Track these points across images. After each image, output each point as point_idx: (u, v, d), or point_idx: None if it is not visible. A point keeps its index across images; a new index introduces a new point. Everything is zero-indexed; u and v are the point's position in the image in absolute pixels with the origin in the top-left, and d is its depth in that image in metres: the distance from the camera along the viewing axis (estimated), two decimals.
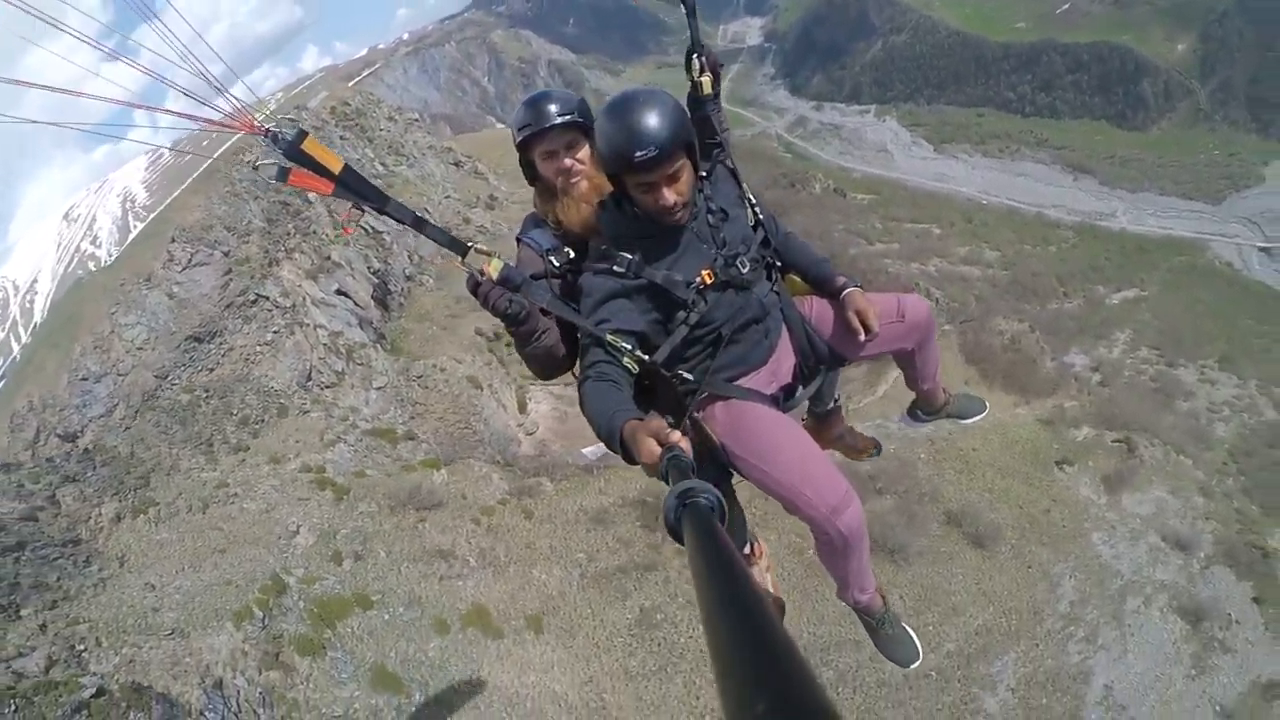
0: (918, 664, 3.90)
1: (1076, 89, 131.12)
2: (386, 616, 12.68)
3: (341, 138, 30.61)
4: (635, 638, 14.11)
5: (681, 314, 3.04)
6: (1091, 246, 69.44)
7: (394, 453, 18.41)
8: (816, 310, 3.56)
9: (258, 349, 19.89)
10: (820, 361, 3.53)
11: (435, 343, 26.80)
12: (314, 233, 25.11)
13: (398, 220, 2.97)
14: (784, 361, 3.43)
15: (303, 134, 2.76)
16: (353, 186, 2.85)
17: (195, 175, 27.95)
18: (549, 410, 26.66)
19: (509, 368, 27.43)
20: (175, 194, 26.56)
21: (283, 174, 2.76)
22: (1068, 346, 51.57)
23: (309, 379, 20.00)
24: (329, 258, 24.67)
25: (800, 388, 3.48)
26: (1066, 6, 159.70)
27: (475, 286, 3.02)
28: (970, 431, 20.95)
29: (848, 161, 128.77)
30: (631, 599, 14.78)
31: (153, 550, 12.41)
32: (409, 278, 28.57)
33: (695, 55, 3.48)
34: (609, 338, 2.92)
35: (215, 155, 26.38)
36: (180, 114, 2.85)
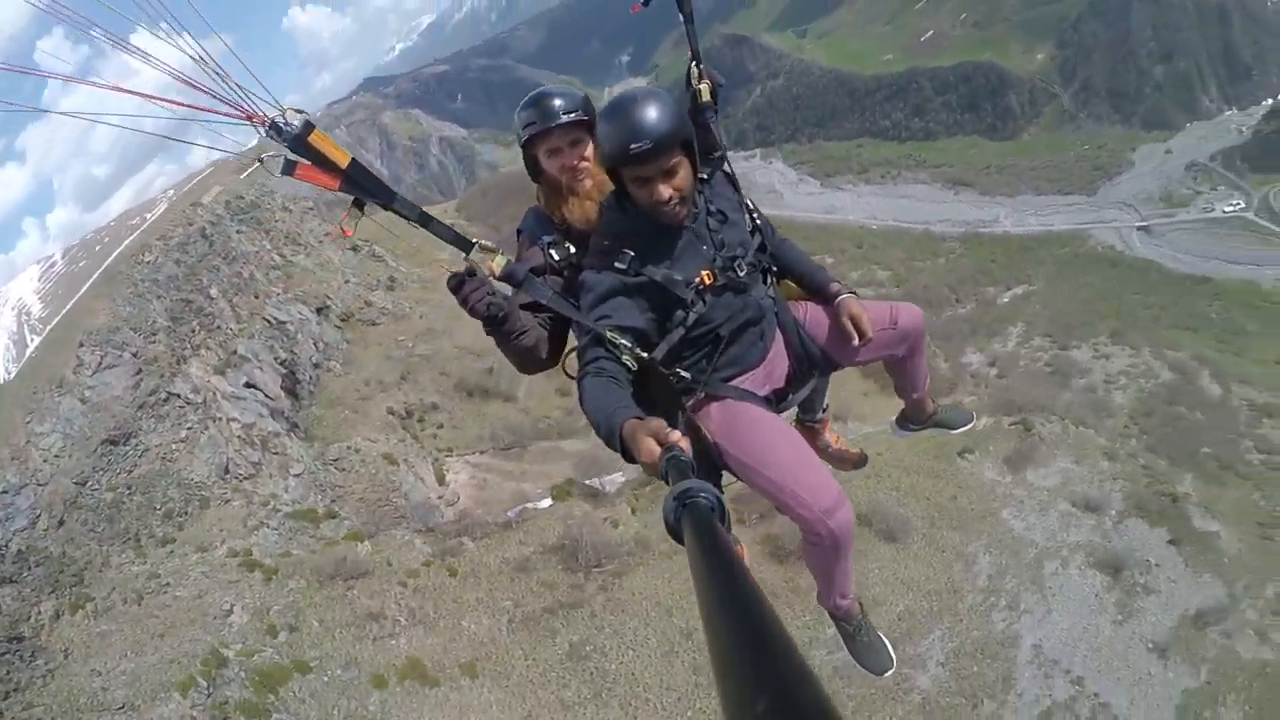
0: (891, 671, 3.99)
1: (947, 109, 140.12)
2: (326, 678, 13.63)
3: (238, 231, 31.31)
4: (568, 670, 15.29)
5: (680, 313, 3.16)
6: (978, 253, 74.09)
7: (317, 532, 19.30)
8: (811, 315, 3.70)
9: (174, 446, 20.31)
10: (813, 365, 3.66)
11: (349, 426, 27.52)
12: (218, 328, 25.72)
13: (403, 217, 3.06)
14: (778, 364, 3.54)
15: (309, 125, 2.82)
16: (360, 182, 2.94)
17: (94, 279, 28.31)
18: (468, 479, 27.45)
19: (424, 443, 28.35)
20: (75, 299, 26.88)
21: (289, 167, 2.79)
22: (963, 348, 54.62)
23: (227, 471, 20.64)
24: (235, 352, 25.34)
25: (792, 392, 3.63)
26: (930, 34, 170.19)
27: (458, 286, 3.09)
28: (873, 438, 22.36)
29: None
30: (560, 636, 15.96)
31: (95, 641, 13.19)
32: (316, 365, 29.30)
33: (694, 64, 3.74)
34: (608, 334, 3.00)
35: (130, 236, 26.70)
36: (172, 103, 2.77)
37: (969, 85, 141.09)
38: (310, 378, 28.75)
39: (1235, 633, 19.51)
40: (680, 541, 1.42)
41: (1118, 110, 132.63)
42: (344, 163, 2.83)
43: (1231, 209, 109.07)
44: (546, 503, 23.18)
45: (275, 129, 2.70)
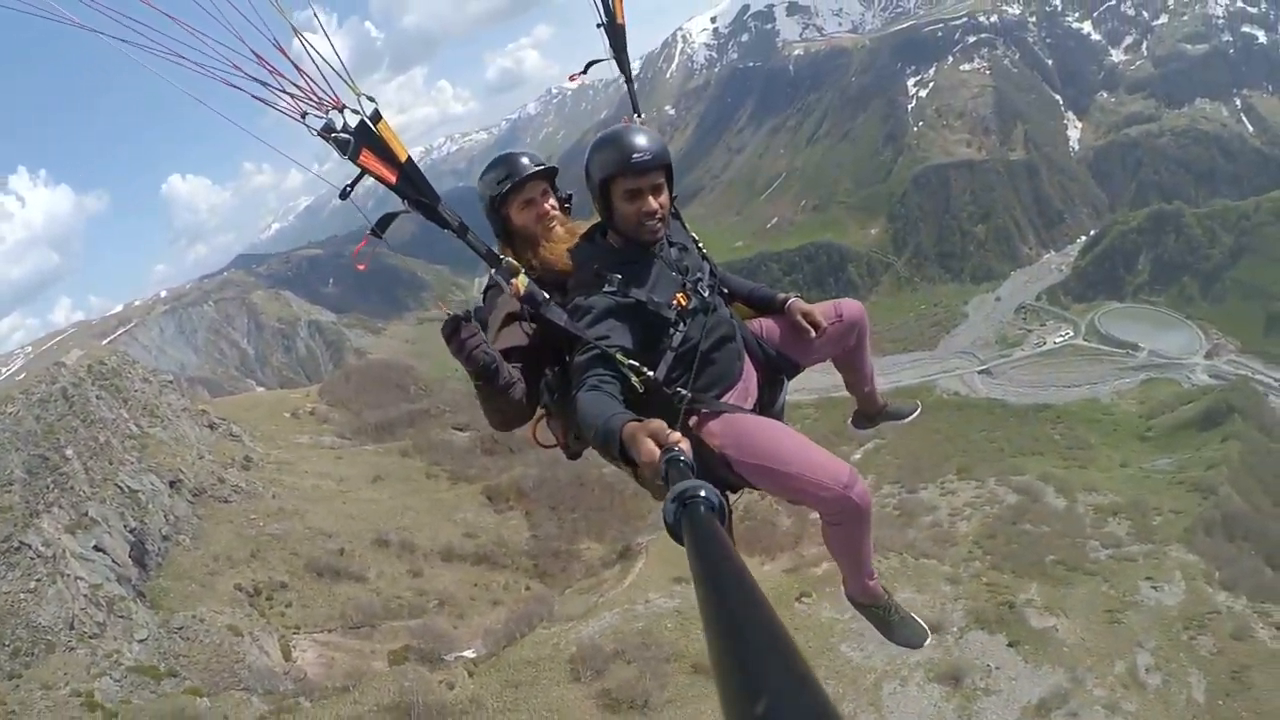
0: (929, 641, 4.24)
1: (795, 286, 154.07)
2: None
3: (98, 397, 32.55)
4: None
5: (667, 335, 3.35)
6: (831, 415, 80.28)
7: (158, 688, 20.72)
8: (765, 327, 4.00)
9: (22, 595, 21.59)
10: (778, 371, 3.96)
11: (195, 599, 28.07)
12: (71, 488, 26.78)
13: (445, 225, 3.18)
14: (750, 378, 3.75)
15: (378, 113, 2.89)
16: (414, 179, 3.04)
17: None
18: (315, 657, 28.05)
19: (270, 620, 29.05)
20: None
21: (355, 149, 2.87)
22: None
23: (72, 627, 21.97)
24: (86, 514, 26.36)
25: (769, 401, 3.87)
26: (774, 220, 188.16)
27: (454, 332, 3.23)
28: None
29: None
30: None
31: None
32: (165, 537, 30.15)
33: (639, 118, 4.05)
34: (619, 356, 3.17)
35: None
36: (261, 81, 2.75)
37: (813, 263, 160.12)
38: (159, 549, 29.53)
39: (1082, 711, 21.56)
40: (680, 541, 1.53)
41: (947, 269, 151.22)
42: (403, 156, 2.98)
43: (1062, 339, 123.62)
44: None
45: (333, 124, 2.82)
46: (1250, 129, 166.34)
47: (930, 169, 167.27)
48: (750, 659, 0.84)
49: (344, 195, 3.00)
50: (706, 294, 3.56)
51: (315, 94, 2.79)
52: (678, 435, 2.36)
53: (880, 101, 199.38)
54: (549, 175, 3.88)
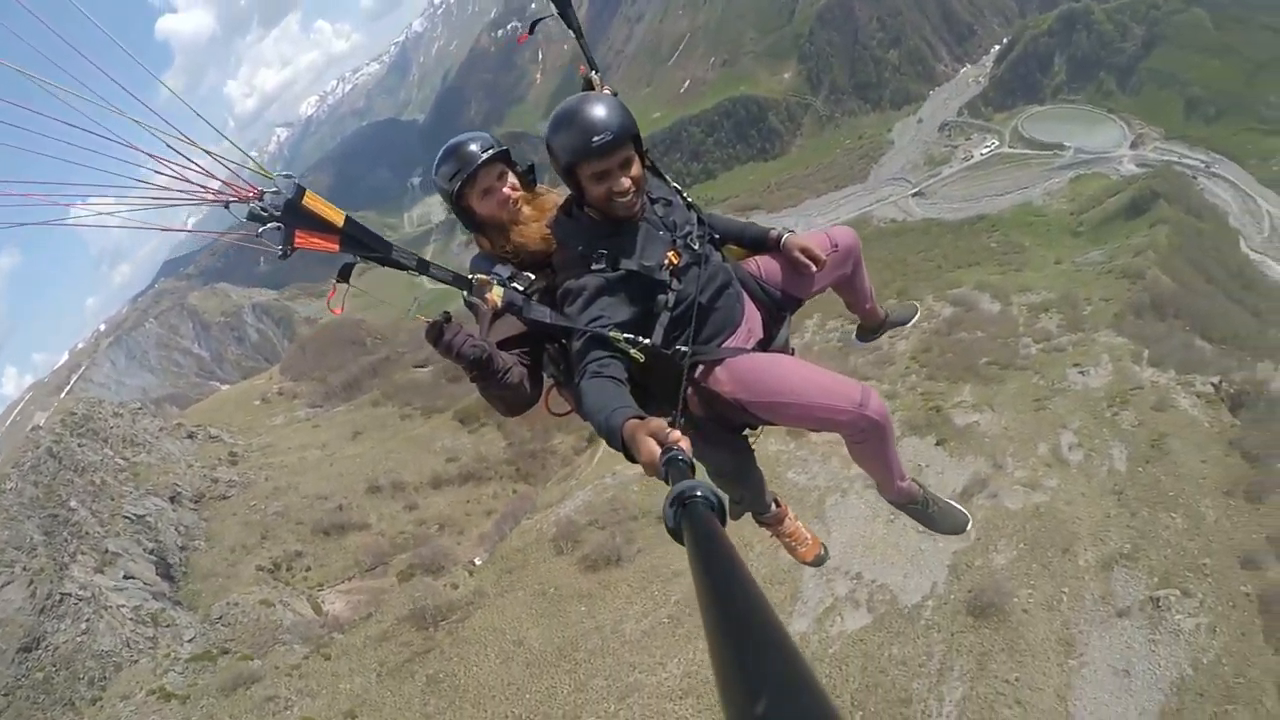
0: (970, 525, 4.48)
1: (719, 146, 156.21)
2: None
3: (80, 445, 34.32)
4: (428, 693, 20.18)
5: (662, 296, 3.37)
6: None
7: (215, 667, 24.10)
8: (763, 266, 4.04)
9: (79, 638, 24.35)
10: (780, 308, 4.03)
11: (225, 591, 30.88)
12: (87, 534, 29.21)
13: (403, 268, 3.25)
14: (753, 319, 3.84)
15: (301, 189, 2.86)
16: (357, 238, 3.05)
17: None
18: (343, 605, 30.56)
19: (295, 585, 32.01)
20: None
21: (289, 236, 2.86)
22: None
23: (129, 646, 24.94)
24: (108, 551, 29.18)
25: (773, 337, 3.96)
26: (687, 84, 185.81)
27: (438, 337, 3.22)
28: None
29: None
30: (418, 674, 20.82)
31: None
32: (183, 548, 32.99)
33: (594, 73, 3.97)
34: (612, 334, 3.21)
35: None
36: (180, 197, 2.76)
37: (732, 120, 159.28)
38: (180, 560, 32.46)
39: (1002, 492, 22.93)
40: (681, 542, 1.54)
41: (867, 100, 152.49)
42: (340, 221, 2.96)
43: (988, 149, 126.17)
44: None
45: (257, 211, 2.77)
46: None
47: (833, 2, 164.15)
48: (750, 659, 0.88)
49: (284, 256, 2.97)
50: (697, 246, 3.58)
51: (231, 191, 2.81)
52: (677, 434, 2.40)
53: None
54: (502, 158, 3.79)
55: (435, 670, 20.77)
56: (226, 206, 2.81)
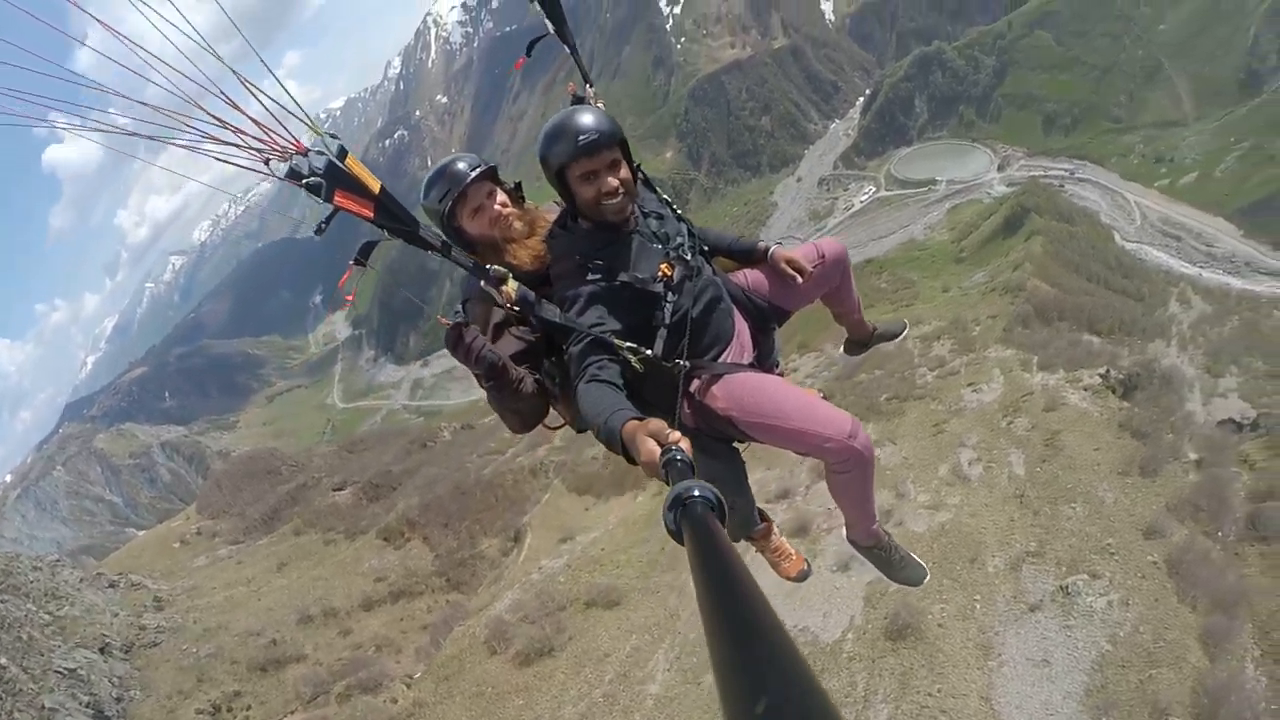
0: (927, 579, 4.57)
1: None
2: None
3: (1, 601, 33.99)
4: None
5: (659, 312, 3.45)
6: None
7: None
8: (751, 278, 4.14)
9: None
10: (769, 321, 4.12)
11: None
12: (20, 691, 28.52)
13: (429, 248, 3.33)
14: (744, 332, 3.90)
15: (344, 150, 2.99)
16: (390, 208, 3.14)
17: None
18: None
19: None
20: None
21: (329, 191, 2.97)
22: None
23: None
24: (44, 707, 28.55)
25: (762, 352, 4.03)
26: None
27: (457, 340, 3.33)
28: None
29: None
30: None
31: None
32: (119, 699, 32.25)
33: (588, 86, 4.09)
34: (616, 341, 3.29)
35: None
36: (216, 144, 2.82)
37: None
38: (117, 713, 31.77)
39: (907, 518, 23.39)
40: (681, 542, 1.55)
41: (746, 168, 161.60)
42: (376, 188, 3.06)
43: (866, 196, 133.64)
44: None
45: (299, 168, 2.94)
46: None
47: (703, 80, 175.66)
48: (750, 659, 0.88)
49: (319, 231, 3.05)
50: (690, 258, 3.63)
51: (277, 144, 2.88)
52: (677, 435, 2.44)
53: (640, 29, 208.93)
54: (489, 176, 3.85)
55: None
56: (267, 163, 2.91)
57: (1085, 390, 29.09)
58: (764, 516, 5.16)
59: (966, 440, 27.35)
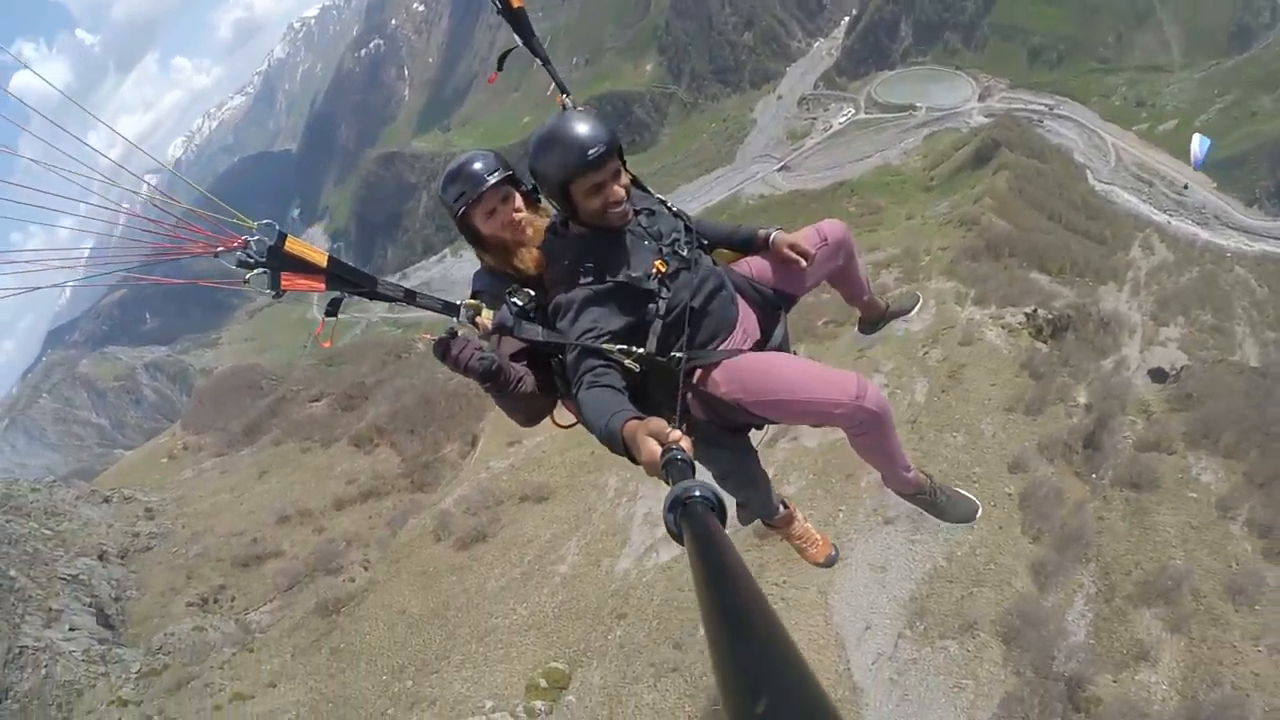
0: (980, 513, 4.55)
1: None
2: None
3: (7, 522, 37.63)
4: (332, 659, 25.50)
5: (652, 306, 3.48)
6: None
7: (160, 679, 28.45)
8: (754, 266, 4.17)
9: (41, 683, 27.48)
10: (775, 307, 4.13)
11: (162, 628, 33.42)
12: (30, 597, 32.72)
13: (390, 299, 3.46)
14: (748, 320, 3.92)
15: (282, 235, 3.03)
16: (343, 276, 3.23)
17: None
18: (269, 620, 32.96)
19: (224, 613, 35.41)
20: None
21: (275, 279, 3.04)
22: None
23: (87, 676, 29.08)
24: (51, 609, 31.82)
25: (769, 336, 4.05)
26: (552, 86, 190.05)
27: (445, 353, 3.38)
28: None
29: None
30: (323, 647, 26.10)
31: None
32: (117, 599, 35.23)
33: (566, 96, 4.25)
34: (605, 346, 3.34)
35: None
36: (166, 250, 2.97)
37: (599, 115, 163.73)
38: (117, 610, 35.21)
39: (802, 435, 25.03)
40: (681, 542, 1.57)
41: (726, 84, 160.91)
42: (323, 262, 3.14)
43: (846, 118, 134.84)
44: None
45: (244, 259, 2.98)
46: None
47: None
48: (750, 659, 0.89)
49: (277, 297, 3.15)
50: (685, 252, 3.68)
51: (212, 245, 2.99)
52: (677, 434, 2.50)
53: None
54: (508, 181, 3.90)
55: (337, 643, 25.18)
56: (216, 255, 3.01)
57: (1002, 328, 30.44)
58: (785, 504, 5.16)
59: (882, 367, 28.70)
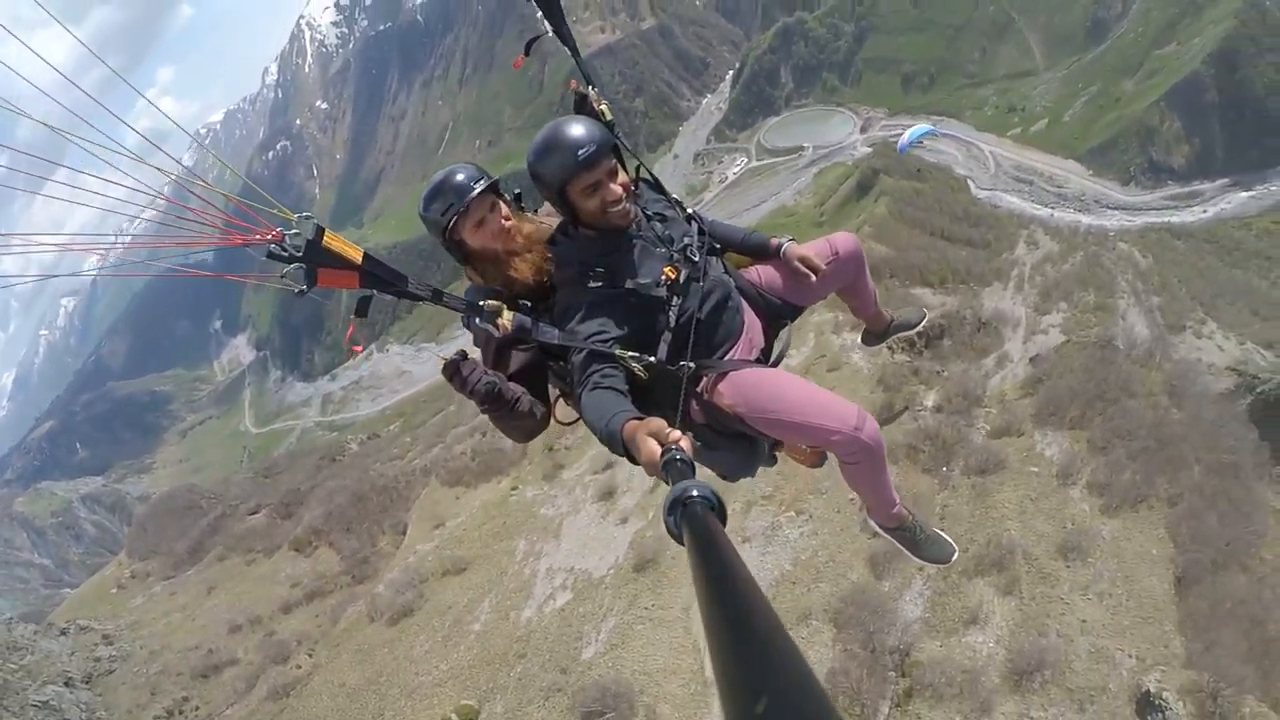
0: (956, 556, 4.62)
1: None
2: None
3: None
4: None
5: (664, 313, 3.55)
6: None
7: None
8: (764, 274, 4.27)
9: None
10: (781, 317, 4.25)
11: None
12: None
13: (419, 299, 3.42)
14: (754, 328, 4.02)
15: (321, 229, 3.00)
16: (377, 274, 3.21)
17: None
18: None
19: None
20: None
21: (311, 275, 3.01)
22: None
23: None
24: None
25: (773, 347, 4.15)
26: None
27: (454, 373, 3.44)
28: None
29: (379, 403, 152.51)
30: None
31: None
32: None
33: (591, 89, 4.18)
34: (617, 351, 3.37)
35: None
36: (208, 241, 2.91)
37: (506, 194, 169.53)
38: None
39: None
40: (681, 542, 1.57)
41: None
42: (359, 259, 3.14)
43: (739, 167, 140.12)
44: None
45: (278, 252, 2.95)
46: None
47: (574, 68, 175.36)
48: (750, 659, 0.89)
49: (301, 294, 3.12)
50: (696, 258, 3.73)
51: (251, 237, 2.96)
52: (677, 434, 2.51)
53: (510, 21, 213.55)
54: (492, 189, 3.92)
55: None
56: (245, 248, 3.00)
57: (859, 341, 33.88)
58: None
59: None
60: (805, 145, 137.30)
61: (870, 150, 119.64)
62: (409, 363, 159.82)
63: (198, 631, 44.83)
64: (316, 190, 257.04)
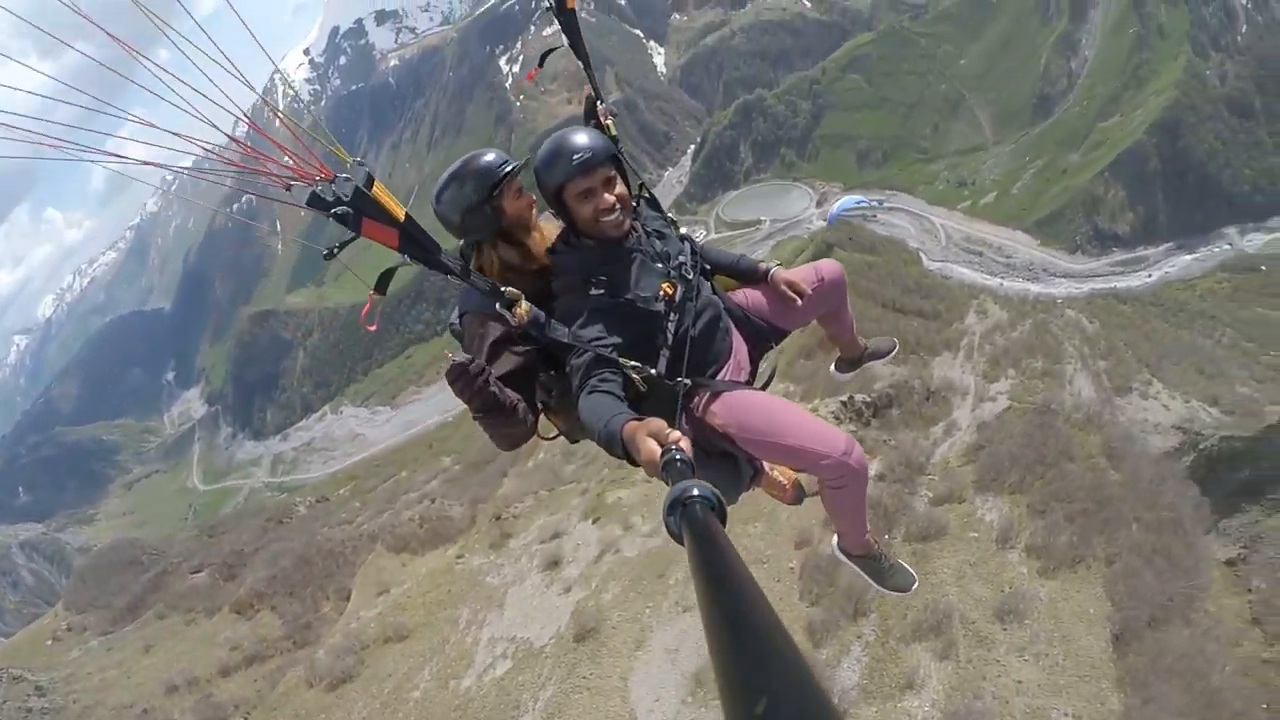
0: (916, 585, 4.64)
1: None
2: None
3: None
4: None
5: (661, 329, 3.59)
6: None
7: None
8: (750, 297, 4.29)
9: None
10: (766, 339, 4.25)
11: None
12: None
13: (449, 272, 3.37)
14: (741, 350, 4.03)
15: (371, 177, 2.97)
16: (414, 235, 3.17)
17: None
18: None
19: None
20: None
21: (357, 221, 2.96)
22: None
23: None
24: None
25: (758, 369, 4.15)
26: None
27: (458, 376, 3.30)
28: None
29: (330, 466, 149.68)
30: None
31: None
32: None
33: (599, 102, 4.18)
34: (621, 359, 3.40)
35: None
36: (256, 170, 2.89)
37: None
38: None
39: (624, 546, 25.34)
40: (680, 542, 1.56)
41: None
42: (401, 216, 3.09)
43: (699, 239, 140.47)
44: None
45: (323, 195, 2.88)
46: (808, 5, 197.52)
47: (541, 137, 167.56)
48: (750, 659, 0.88)
49: (329, 255, 3.13)
50: (690, 277, 3.78)
51: (305, 171, 2.89)
52: (677, 435, 2.49)
53: (480, 88, 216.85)
54: (517, 172, 3.89)
55: None
56: (288, 188, 2.93)
57: (820, 417, 32.27)
58: (755, 466, 4.68)
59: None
60: (763, 219, 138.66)
61: (825, 224, 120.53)
62: (363, 425, 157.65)
63: (134, 689, 42.89)
64: (279, 245, 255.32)
